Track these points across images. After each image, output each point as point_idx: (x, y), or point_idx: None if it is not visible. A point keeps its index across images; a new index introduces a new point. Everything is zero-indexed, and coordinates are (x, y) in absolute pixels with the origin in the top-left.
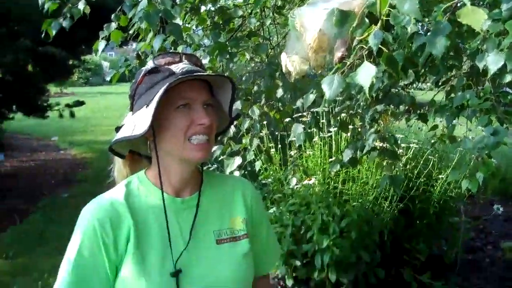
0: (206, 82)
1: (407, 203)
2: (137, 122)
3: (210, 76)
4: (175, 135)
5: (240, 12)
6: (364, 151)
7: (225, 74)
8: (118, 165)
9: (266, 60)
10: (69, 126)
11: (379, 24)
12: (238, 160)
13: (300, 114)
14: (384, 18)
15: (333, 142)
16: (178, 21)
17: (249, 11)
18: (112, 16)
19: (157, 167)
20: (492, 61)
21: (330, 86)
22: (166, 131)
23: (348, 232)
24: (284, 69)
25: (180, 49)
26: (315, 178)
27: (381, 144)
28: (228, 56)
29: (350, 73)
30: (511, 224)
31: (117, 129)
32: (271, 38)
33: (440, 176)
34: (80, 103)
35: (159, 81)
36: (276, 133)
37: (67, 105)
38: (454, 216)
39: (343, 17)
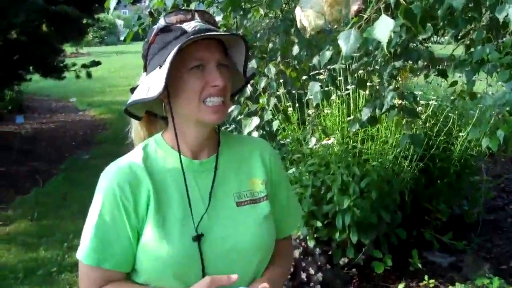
0: (219, 41)
1: (427, 162)
2: (151, 84)
3: (221, 35)
4: (189, 97)
5: None
6: (383, 110)
7: (239, 32)
8: (135, 127)
9: (281, 15)
10: (87, 86)
11: None
12: (256, 120)
13: (316, 71)
14: None
15: (351, 100)
16: None
17: None
18: None
19: (173, 129)
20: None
21: (346, 41)
22: (181, 93)
23: (369, 193)
24: (299, 25)
25: (193, 6)
26: (334, 137)
27: (400, 102)
28: (241, 12)
29: (367, 28)
30: None
31: (132, 90)
32: None
33: (460, 134)
34: (96, 63)
35: (171, 40)
36: (293, 91)
37: (84, 66)
38: (475, 175)
39: None
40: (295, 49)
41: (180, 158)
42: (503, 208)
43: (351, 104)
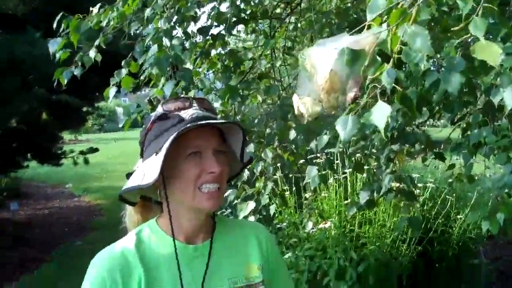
0: (216, 128)
1: (425, 246)
2: (146, 170)
3: (218, 123)
4: (185, 184)
5: (250, 55)
6: (381, 193)
7: (237, 118)
8: (129, 212)
9: (278, 101)
10: (84, 172)
11: (391, 62)
12: (251, 205)
13: (314, 155)
14: (396, 56)
15: (348, 184)
16: (189, 65)
17: (259, 53)
18: (123, 62)
19: (168, 214)
20: (509, 97)
21: (344, 127)
22: (176, 180)
23: (366, 278)
24: (296, 111)
25: (192, 93)
26: (331, 221)
27: (397, 185)
28: (239, 99)
29: (364, 113)
30: None
31: (128, 175)
32: (282, 79)
33: (458, 217)
34: (94, 150)
35: (169, 128)
36: (290, 175)
37: (81, 152)
38: (474, 258)
39: (354, 56)
40: (292, 134)
41: (175, 244)
42: None
43: (348, 187)
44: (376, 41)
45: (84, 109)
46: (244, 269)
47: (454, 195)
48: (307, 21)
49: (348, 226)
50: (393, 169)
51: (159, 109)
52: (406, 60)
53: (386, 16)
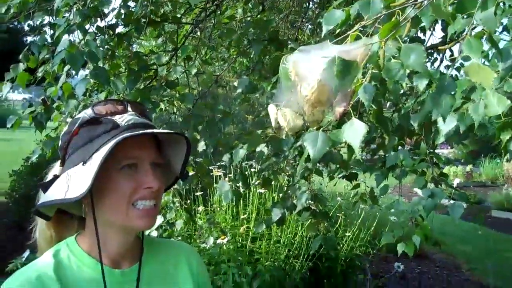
0: (154, 137)
1: (316, 262)
2: (71, 182)
3: (165, 133)
4: (117, 199)
5: (164, 60)
6: (297, 210)
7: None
8: (41, 227)
9: (191, 110)
10: None
11: (368, 76)
12: (159, 220)
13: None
14: (372, 71)
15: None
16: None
17: (167, 58)
18: (21, 56)
19: (91, 234)
20: (444, 123)
21: (314, 144)
22: (107, 195)
23: None
24: (273, 123)
25: (102, 96)
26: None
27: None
28: (150, 105)
29: (333, 131)
30: (408, 283)
31: (42, 185)
32: (198, 88)
33: (347, 234)
34: None
35: (100, 134)
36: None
37: None
38: (360, 274)
39: (346, 67)
40: (201, 145)
41: (102, 269)
42: None
43: (241, 202)
44: (368, 52)
45: None
46: None
47: (342, 212)
48: (223, 30)
49: (240, 240)
50: (310, 188)
51: (88, 112)
52: (386, 77)
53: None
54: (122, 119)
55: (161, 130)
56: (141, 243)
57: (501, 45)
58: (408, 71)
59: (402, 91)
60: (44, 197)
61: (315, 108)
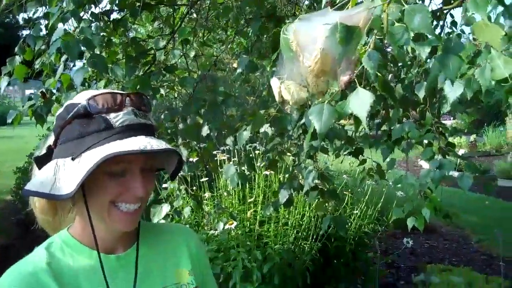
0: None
1: (324, 242)
2: (59, 176)
3: (154, 151)
4: (101, 201)
5: (161, 44)
6: (304, 191)
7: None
8: (33, 198)
9: (192, 93)
10: None
11: (371, 43)
12: (166, 208)
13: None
14: (377, 36)
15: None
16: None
17: (165, 42)
18: (16, 48)
19: (82, 223)
20: (451, 89)
21: (319, 117)
22: (92, 193)
23: (271, 278)
24: (277, 98)
25: (102, 84)
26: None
27: (318, 182)
28: (151, 91)
29: (340, 102)
30: (417, 258)
31: (37, 160)
32: (198, 71)
33: (354, 212)
34: None
35: (91, 132)
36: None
37: None
38: (369, 252)
39: (349, 33)
40: (205, 130)
41: (99, 254)
42: (394, 284)
43: (247, 185)
44: (370, 16)
45: None
46: (175, 275)
47: (349, 190)
48: (219, 9)
49: (248, 225)
50: (316, 167)
51: (83, 102)
52: (389, 41)
53: None
54: (117, 119)
55: (148, 148)
56: (135, 229)
57: (508, 2)
58: (412, 34)
59: (410, 56)
60: (32, 181)
61: (319, 79)
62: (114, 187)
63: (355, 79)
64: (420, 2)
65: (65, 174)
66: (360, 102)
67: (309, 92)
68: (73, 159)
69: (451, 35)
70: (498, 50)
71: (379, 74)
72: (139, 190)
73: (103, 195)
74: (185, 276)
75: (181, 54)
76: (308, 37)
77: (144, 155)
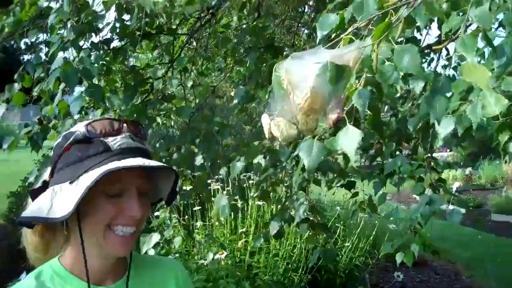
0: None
1: (315, 274)
2: (55, 201)
3: (152, 167)
4: (97, 222)
5: (160, 73)
6: (295, 223)
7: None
8: (26, 234)
9: (188, 123)
10: None
11: (362, 80)
12: (156, 237)
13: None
14: (366, 74)
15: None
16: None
17: (163, 71)
18: (15, 75)
19: (74, 251)
20: (442, 125)
21: (308, 153)
22: (87, 216)
23: None
24: (267, 134)
25: (98, 114)
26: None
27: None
28: (146, 120)
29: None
30: None
31: (32, 193)
32: (194, 100)
33: (346, 244)
34: None
35: (91, 156)
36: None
37: None
38: (359, 285)
39: (339, 72)
40: (199, 160)
41: (89, 286)
42: None
43: (239, 215)
44: (361, 56)
45: None
46: None
47: (341, 222)
48: (219, 39)
49: (238, 255)
50: (307, 199)
51: (81, 129)
52: (380, 80)
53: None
54: (115, 142)
55: (147, 164)
56: (125, 260)
57: (498, 42)
58: (402, 73)
59: (399, 95)
60: (29, 209)
61: (308, 117)
62: (110, 208)
63: (345, 117)
64: (414, 35)
65: (62, 198)
66: (349, 139)
67: (298, 129)
68: (70, 183)
69: (444, 72)
70: (486, 91)
71: (369, 112)
72: (135, 210)
73: (100, 217)
74: None
75: (179, 83)
76: (300, 75)
77: (141, 178)
